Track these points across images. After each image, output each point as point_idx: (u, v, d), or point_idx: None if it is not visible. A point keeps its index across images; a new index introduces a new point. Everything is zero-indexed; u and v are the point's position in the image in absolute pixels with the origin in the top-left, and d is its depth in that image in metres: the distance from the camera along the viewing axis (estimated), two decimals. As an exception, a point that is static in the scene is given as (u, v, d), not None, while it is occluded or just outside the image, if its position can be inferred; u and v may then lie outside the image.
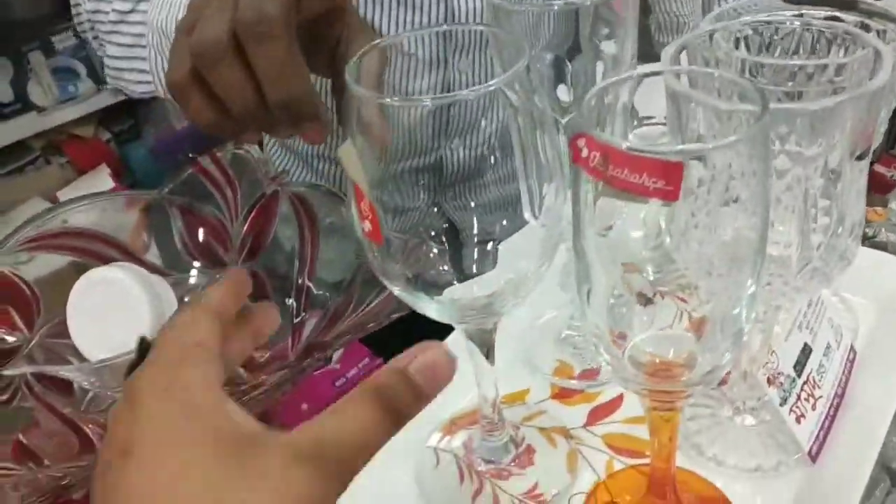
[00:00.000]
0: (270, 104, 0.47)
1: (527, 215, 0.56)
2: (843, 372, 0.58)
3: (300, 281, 0.75)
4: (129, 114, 2.06)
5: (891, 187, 0.99)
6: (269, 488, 0.30)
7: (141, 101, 1.97)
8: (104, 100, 1.97)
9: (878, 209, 0.99)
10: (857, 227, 0.45)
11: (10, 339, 0.69)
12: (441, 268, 0.55)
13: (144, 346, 0.38)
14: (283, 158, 1.03)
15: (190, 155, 0.77)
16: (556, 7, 0.51)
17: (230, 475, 0.30)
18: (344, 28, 0.52)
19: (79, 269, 0.74)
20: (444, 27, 0.89)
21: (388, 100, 0.44)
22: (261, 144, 1.10)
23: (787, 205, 0.44)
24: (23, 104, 1.87)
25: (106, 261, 0.73)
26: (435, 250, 0.56)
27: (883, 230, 0.81)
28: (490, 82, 0.44)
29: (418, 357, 0.35)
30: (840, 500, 0.50)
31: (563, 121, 0.56)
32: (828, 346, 0.57)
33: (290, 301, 0.73)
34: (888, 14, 0.53)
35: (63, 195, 1.95)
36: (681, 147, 0.33)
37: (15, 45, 1.86)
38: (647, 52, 0.61)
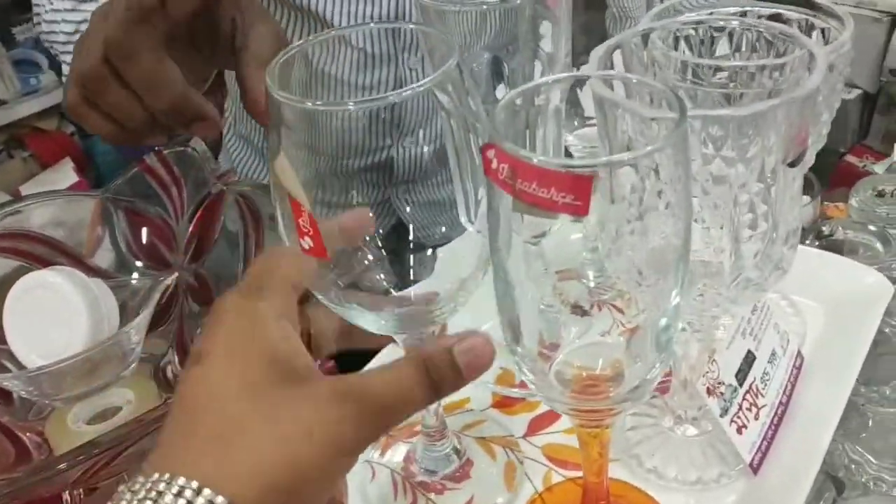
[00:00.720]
0: (154, 113, 0.50)
1: (463, 220, 0.54)
2: (789, 379, 0.56)
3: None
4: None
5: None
6: (310, 417, 0.33)
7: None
8: (67, 92, 1.93)
9: (840, 205, 0.98)
10: (793, 235, 0.43)
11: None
12: (378, 276, 0.53)
13: None
14: (241, 152, 1.02)
15: (146, 150, 0.75)
16: (485, 6, 0.49)
17: (281, 394, 0.34)
18: (237, 17, 0.53)
19: (22, 273, 0.72)
20: (394, 24, 0.87)
21: (311, 104, 0.42)
22: (221, 136, 1.08)
23: (722, 211, 0.43)
24: (-17, 97, 1.83)
25: (47, 264, 0.71)
26: (370, 256, 0.54)
27: (840, 228, 0.80)
28: (418, 83, 0.42)
29: (464, 340, 0.37)
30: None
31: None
32: (773, 353, 0.56)
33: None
34: (832, 11, 0.51)
35: (26, 189, 1.92)
36: (586, 161, 0.31)
37: (-26, 37, 1.83)
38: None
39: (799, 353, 0.58)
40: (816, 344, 0.61)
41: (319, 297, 0.47)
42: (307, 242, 0.43)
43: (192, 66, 0.53)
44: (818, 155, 0.57)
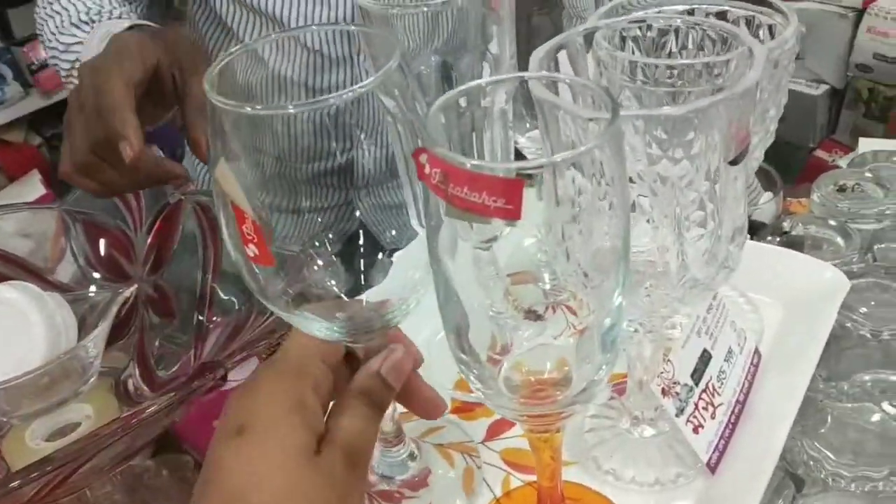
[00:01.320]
0: (137, 180, 0.65)
1: (414, 224, 0.53)
2: (746, 377, 0.56)
3: (204, 289, 0.72)
4: (60, 117, 2.00)
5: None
6: (335, 494, 0.39)
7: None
8: (33, 103, 1.91)
9: (803, 200, 0.98)
10: (738, 233, 0.43)
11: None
12: (329, 282, 0.52)
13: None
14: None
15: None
16: (427, 9, 0.49)
17: (310, 471, 0.38)
18: (176, 73, 0.66)
19: None
20: (347, 26, 0.86)
21: (249, 108, 0.41)
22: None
23: (667, 210, 0.43)
24: (-54, 110, 1.81)
25: (4, 279, 0.70)
26: (320, 262, 0.53)
27: (800, 224, 0.80)
28: (358, 86, 0.41)
29: (388, 360, 0.44)
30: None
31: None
32: (729, 351, 0.56)
33: (197, 316, 0.70)
34: (778, 7, 0.51)
35: (-7, 202, 1.89)
36: (517, 164, 0.30)
37: (-64, 50, 1.80)
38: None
39: (756, 350, 0.58)
40: (774, 341, 0.61)
41: (268, 305, 0.46)
42: (252, 250, 0.42)
43: (148, 116, 0.65)
44: (784, 150, 0.57)
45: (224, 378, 0.79)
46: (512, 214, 0.31)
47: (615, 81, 0.48)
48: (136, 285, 0.73)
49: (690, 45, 0.51)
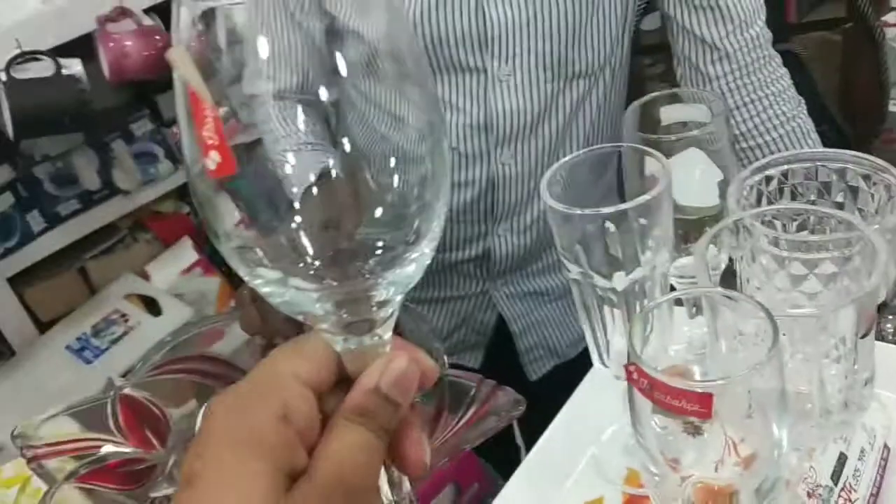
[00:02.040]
0: None
1: (595, 361, 0.65)
2: (878, 471, 0.66)
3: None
4: (204, 186, 2.19)
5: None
6: None
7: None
8: (182, 177, 2.11)
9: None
10: (870, 381, 0.54)
11: (148, 457, 0.81)
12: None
13: None
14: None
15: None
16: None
17: None
18: None
19: (188, 385, 0.86)
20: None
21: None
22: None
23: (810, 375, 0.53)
24: (109, 190, 2.01)
25: (216, 379, 0.84)
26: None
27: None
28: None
29: (387, 373, 0.36)
30: None
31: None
32: (862, 451, 0.66)
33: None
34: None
35: (151, 269, 2.10)
36: (707, 382, 0.42)
37: (98, 136, 2.01)
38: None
39: (885, 445, 0.68)
40: (900, 435, 0.70)
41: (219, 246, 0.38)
42: (212, 160, 0.34)
43: None
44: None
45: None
46: (704, 416, 0.43)
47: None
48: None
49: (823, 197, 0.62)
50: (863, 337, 0.50)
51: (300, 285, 0.36)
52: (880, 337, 0.88)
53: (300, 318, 0.37)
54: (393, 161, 0.37)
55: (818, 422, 0.53)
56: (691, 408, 0.42)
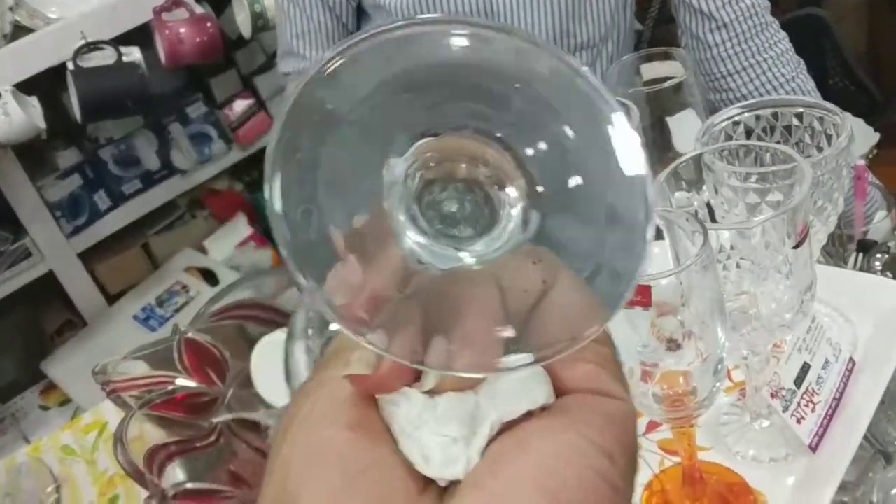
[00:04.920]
0: None
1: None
2: (841, 380, 0.75)
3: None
4: (257, 165, 2.34)
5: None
6: None
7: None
8: (234, 156, 2.24)
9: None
10: (809, 289, 0.63)
11: (209, 391, 0.93)
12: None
13: None
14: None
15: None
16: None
17: None
18: None
19: (242, 331, 0.98)
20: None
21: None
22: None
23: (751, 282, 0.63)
24: (168, 170, 2.16)
25: (266, 323, 0.96)
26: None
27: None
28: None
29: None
30: (831, 477, 0.68)
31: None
32: (826, 361, 0.75)
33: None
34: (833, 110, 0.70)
35: (209, 244, 2.24)
36: (647, 276, 0.52)
37: (157, 119, 2.16)
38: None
39: (850, 359, 0.77)
40: (865, 349, 0.79)
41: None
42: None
43: None
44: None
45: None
46: (644, 305, 0.52)
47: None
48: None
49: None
50: (795, 247, 0.59)
51: None
52: (868, 270, 0.96)
53: None
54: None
55: (763, 324, 0.62)
56: (636, 298, 0.52)
